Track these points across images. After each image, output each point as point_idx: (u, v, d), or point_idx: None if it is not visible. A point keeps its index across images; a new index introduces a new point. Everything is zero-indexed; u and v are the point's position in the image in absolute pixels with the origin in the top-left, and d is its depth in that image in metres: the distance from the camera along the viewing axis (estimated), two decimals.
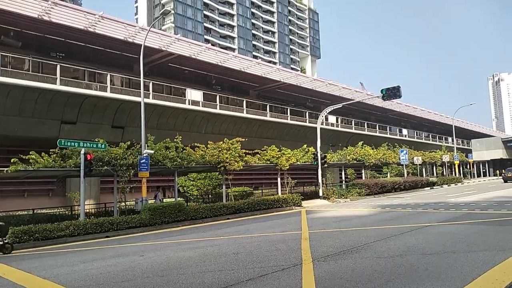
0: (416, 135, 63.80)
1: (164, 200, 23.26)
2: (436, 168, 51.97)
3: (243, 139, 23.28)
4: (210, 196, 26.20)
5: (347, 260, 7.74)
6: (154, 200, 20.83)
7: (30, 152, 16.23)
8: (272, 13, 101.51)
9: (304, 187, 31.43)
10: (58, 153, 16.81)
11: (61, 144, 16.01)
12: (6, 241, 12.36)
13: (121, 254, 10.45)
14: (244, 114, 35.08)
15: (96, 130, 25.10)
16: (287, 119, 39.66)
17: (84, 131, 24.93)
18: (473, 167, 65.40)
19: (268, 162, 25.17)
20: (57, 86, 23.44)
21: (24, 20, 23.57)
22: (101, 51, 28.98)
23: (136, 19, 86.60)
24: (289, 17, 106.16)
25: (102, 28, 26.13)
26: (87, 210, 19.03)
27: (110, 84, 26.53)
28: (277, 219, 17.14)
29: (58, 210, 19.98)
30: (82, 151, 15.83)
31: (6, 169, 14.89)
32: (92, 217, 17.91)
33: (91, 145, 16.76)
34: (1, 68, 21.85)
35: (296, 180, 29.22)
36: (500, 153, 65.26)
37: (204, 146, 21.87)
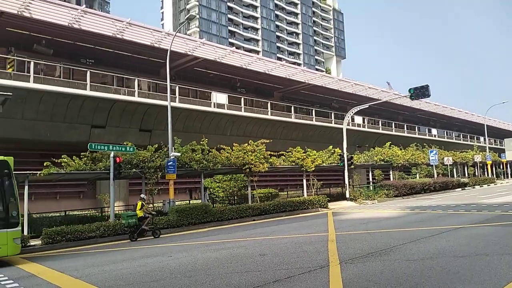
0: (446, 135, 62.04)
1: (192, 201, 23.54)
2: (467, 169, 50.40)
3: (268, 141, 23.28)
4: (235, 197, 26.32)
5: (375, 262, 7.62)
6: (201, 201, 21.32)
7: (62, 156, 16.79)
8: (296, 14, 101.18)
9: (330, 189, 31.11)
10: (89, 157, 17.30)
11: (91, 147, 16.51)
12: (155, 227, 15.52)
13: (150, 254, 10.65)
14: (269, 116, 35.10)
15: (124, 134, 25.69)
16: (312, 120, 39.40)
17: (113, 134, 25.57)
18: (506, 167, 63.05)
19: (293, 163, 25.08)
20: (87, 92, 24.14)
21: (55, 28, 24.40)
22: (128, 57, 29.65)
23: (162, 24, 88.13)
24: (314, 18, 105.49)
25: (130, 34, 26.73)
26: (117, 212, 19.46)
27: (138, 89, 27.11)
28: (303, 221, 17.06)
29: (89, 212, 20.55)
30: (112, 154, 16.25)
31: (39, 172, 15.44)
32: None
33: (120, 148, 17.18)
34: (34, 75, 22.67)
35: (322, 182, 28.96)
36: None
37: (229, 148, 22.01)
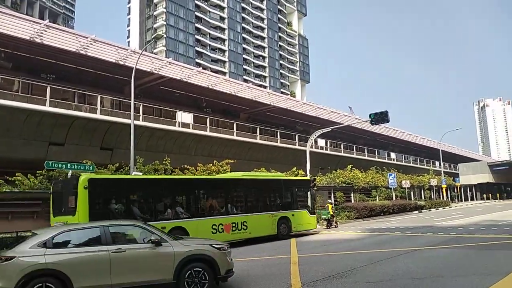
0: (404, 159, 64.43)
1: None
2: (424, 192, 52.32)
3: (233, 161, 23.31)
4: None
5: (336, 285, 7.70)
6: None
7: (16, 174, 16.03)
8: (262, 38, 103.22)
9: None
10: (45, 175, 16.63)
11: (48, 165, 15.89)
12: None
13: None
14: (234, 137, 35.20)
15: (84, 152, 24.89)
16: (277, 142, 39.88)
17: (72, 152, 24.70)
18: (460, 190, 65.98)
19: None
20: (46, 108, 23.36)
21: (16, 42, 23.67)
22: (92, 73, 29.08)
23: (128, 42, 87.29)
24: (280, 43, 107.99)
25: (94, 51, 26.31)
26: None
27: (100, 106, 26.53)
28: (266, 242, 17.00)
29: None
30: (69, 173, 15.68)
31: None
32: None
33: (79, 167, 16.63)
34: None
35: None
36: (486, 177, 66.03)
37: (193, 168, 21.83)
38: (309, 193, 20.27)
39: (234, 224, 15.74)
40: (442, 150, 53.90)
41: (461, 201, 64.65)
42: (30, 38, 23.31)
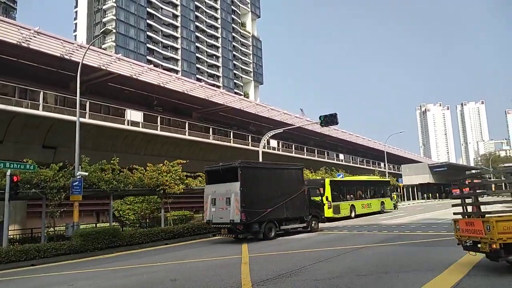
0: (352, 160, 66.72)
1: (99, 225, 22.06)
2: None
3: (185, 161, 22.91)
4: (147, 220, 25.26)
5: (285, 283, 7.79)
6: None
7: None
8: (216, 38, 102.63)
9: None
10: None
11: None
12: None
13: (46, 284, 9.70)
14: (186, 136, 34.71)
15: (25, 150, 23.47)
16: (230, 142, 39.81)
17: (11, 150, 23.22)
18: (403, 190, 69.36)
19: None
20: None
21: None
22: (35, 67, 27.49)
23: (75, 36, 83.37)
24: (233, 43, 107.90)
25: (37, 44, 24.89)
26: (11, 236, 17.51)
27: (43, 102, 25.13)
28: (217, 243, 16.91)
29: None
30: (8, 172, 14.68)
31: None
32: (17, 243, 16.53)
33: (19, 166, 15.59)
34: None
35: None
36: (427, 178, 70.04)
37: (143, 168, 21.20)
38: (389, 187, 35.76)
39: (368, 204, 30.66)
40: (386, 152, 56.42)
41: (404, 200, 67.96)
42: None
